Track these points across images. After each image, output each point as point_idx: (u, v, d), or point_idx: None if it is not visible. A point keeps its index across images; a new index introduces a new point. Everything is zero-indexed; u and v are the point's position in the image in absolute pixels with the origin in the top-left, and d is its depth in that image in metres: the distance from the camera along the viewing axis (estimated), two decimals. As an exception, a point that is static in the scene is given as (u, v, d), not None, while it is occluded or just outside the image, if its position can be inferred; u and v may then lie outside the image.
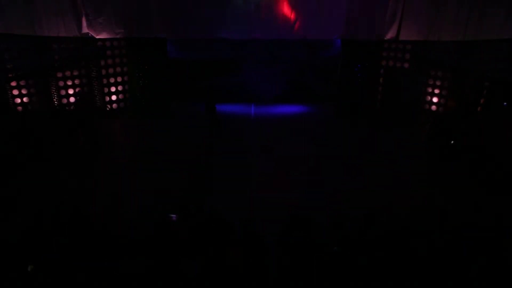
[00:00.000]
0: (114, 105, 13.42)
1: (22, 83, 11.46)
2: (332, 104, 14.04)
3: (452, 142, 10.20)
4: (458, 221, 6.59)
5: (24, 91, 11.53)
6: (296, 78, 14.82)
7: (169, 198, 7.74)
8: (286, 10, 12.50)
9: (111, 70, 13.04)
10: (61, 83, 12.25)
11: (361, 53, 13.11)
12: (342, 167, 9.76)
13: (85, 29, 12.06)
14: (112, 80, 13.13)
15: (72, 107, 12.47)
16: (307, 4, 12.42)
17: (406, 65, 13.05)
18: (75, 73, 12.46)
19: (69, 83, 12.40)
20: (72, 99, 12.47)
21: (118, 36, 12.60)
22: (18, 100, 11.47)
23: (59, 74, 12.18)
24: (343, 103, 13.70)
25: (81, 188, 8.40)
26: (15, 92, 11.39)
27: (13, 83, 11.31)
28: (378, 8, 12.35)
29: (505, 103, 11.08)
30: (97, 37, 12.30)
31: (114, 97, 13.34)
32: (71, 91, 12.47)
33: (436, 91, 12.87)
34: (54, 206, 6.55)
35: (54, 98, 12.23)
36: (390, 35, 12.66)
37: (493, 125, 10.34)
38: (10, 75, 11.14)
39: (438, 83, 12.80)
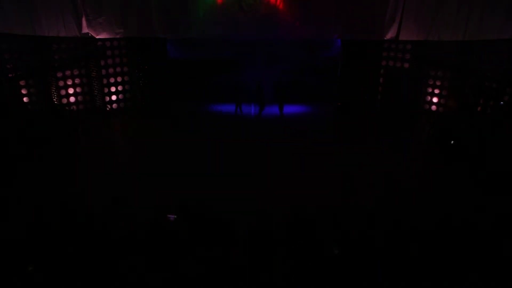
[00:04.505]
0: (114, 105, 13.42)
1: (22, 83, 11.48)
2: (331, 104, 14.04)
3: (452, 142, 10.20)
4: (458, 221, 6.58)
5: (24, 91, 11.54)
6: (296, 78, 14.81)
7: (169, 198, 7.72)
8: (286, 10, 12.49)
9: (111, 70, 13.05)
10: (61, 83, 12.27)
11: (361, 53, 13.10)
12: (342, 167, 9.76)
13: (85, 29, 12.05)
14: (112, 80, 13.14)
15: (72, 107, 12.49)
16: (307, 5, 12.42)
17: (406, 65, 13.07)
18: (75, 73, 12.48)
19: (69, 83, 12.42)
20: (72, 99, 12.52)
21: (118, 36, 12.60)
22: (18, 100, 11.45)
23: (59, 74, 12.19)
24: (343, 103, 13.70)
25: (81, 188, 8.39)
26: (15, 92, 11.36)
27: (13, 83, 11.30)
28: (378, 8, 12.35)
29: (501, 102, 11.10)
30: (97, 37, 12.29)
31: (114, 97, 13.35)
32: (71, 91, 12.51)
33: (436, 91, 12.90)
34: (54, 207, 6.54)
35: (54, 98, 12.25)
36: (390, 35, 12.66)
37: (493, 125, 10.33)
38: (10, 75, 11.14)
39: (438, 83, 12.82)
